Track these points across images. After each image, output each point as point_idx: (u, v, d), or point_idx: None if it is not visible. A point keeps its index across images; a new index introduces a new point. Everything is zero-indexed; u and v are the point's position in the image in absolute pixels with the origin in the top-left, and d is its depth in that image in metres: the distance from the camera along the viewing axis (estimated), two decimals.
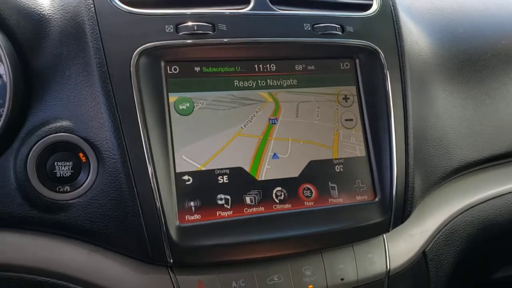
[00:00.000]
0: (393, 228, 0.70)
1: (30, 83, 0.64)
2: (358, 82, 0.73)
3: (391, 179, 0.69)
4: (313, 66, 0.71)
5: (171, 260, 0.60)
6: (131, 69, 0.60)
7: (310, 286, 0.66)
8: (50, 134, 0.60)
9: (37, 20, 0.64)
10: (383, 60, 0.72)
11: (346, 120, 0.71)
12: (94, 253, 0.62)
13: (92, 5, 0.62)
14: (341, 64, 0.73)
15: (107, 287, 0.61)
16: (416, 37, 0.84)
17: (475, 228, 0.82)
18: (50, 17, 0.65)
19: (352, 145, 0.71)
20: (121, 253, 0.62)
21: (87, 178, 0.60)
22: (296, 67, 0.70)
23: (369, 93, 0.72)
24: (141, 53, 0.61)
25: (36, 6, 0.65)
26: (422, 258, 0.76)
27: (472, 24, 0.95)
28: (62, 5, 0.65)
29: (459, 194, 0.83)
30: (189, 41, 0.64)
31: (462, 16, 0.96)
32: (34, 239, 0.61)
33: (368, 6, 0.76)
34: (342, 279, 0.68)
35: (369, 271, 0.69)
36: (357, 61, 0.73)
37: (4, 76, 0.65)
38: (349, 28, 0.72)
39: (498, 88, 0.91)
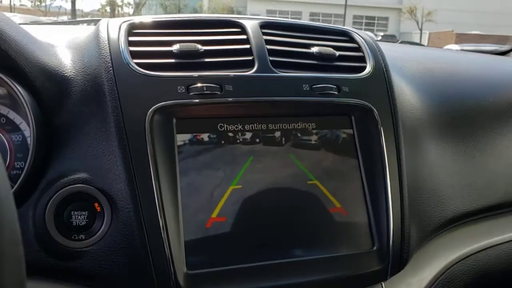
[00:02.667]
0: (391, 276, 0.73)
1: (51, 139, 0.69)
2: (354, 137, 0.78)
3: (387, 228, 0.73)
4: (313, 123, 0.76)
5: None
6: (146, 126, 0.66)
7: None
8: (69, 185, 0.65)
9: (60, 82, 0.70)
10: (377, 117, 0.77)
11: None
12: None
13: (111, 68, 0.69)
14: (339, 121, 0.78)
15: None
16: (408, 96, 0.90)
17: (471, 277, 0.85)
18: (72, 78, 0.71)
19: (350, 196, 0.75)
20: None
21: (101, 227, 0.64)
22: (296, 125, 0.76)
23: (365, 148, 0.77)
24: (155, 111, 0.67)
25: (60, 69, 0.71)
26: None
27: (461, 84, 1.02)
28: (83, 68, 0.71)
29: (454, 244, 0.87)
30: (197, 100, 0.70)
31: (451, 77, 1.03)
32: (48, 285, 0.65)
33: (362, 68, 0.83)
34: None
35: None
36: (352, 118, 0.78)
37: (26, 132, 0.71)
38: (345, 88, 0.78)
39: (487, 142, 0.97)
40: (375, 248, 0.73)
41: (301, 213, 0.72)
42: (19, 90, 0.68)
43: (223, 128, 0.71)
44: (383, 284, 0.75)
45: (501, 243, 0.90)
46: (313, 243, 0.71)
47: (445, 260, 0.83)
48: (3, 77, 0.67)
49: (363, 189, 0.76)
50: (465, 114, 0.97)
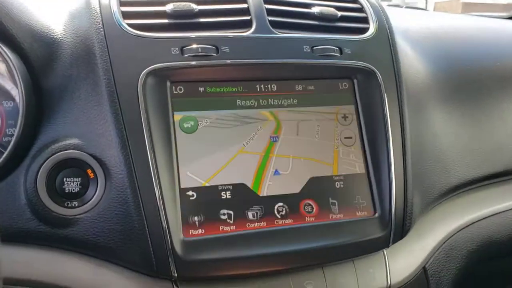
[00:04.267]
0: (393, 244, 0.71)
1: (41, 103, 0.67)
2: (356, 101, 0.75)
3: (390, 195, 0.71)
4: (312, 86, 0.74)
5: (175, 274, 0.61)
6: (139, 89, 0.63)
7: None
8: (60, 151, 0.62)
9: (49, 43, 0.67)
10: (380, 81, 0.74)
11: (345, 138, 0.74)
12: (100, 267, 0.63)
13: (102, 29, 0.66)
14: (339, 84, 0.75)
15: None
16: (412, 59, 0.87)
17: (474, 245, 0.83)
18: (62, 40, 0.68)
19: (352, 162, 0.73)
20: (126, 267, 0.64)
21: (94, 194, 0.63)
22: (296, 87, 0.73)
23: (367, 112, 0.75)
24: (148, 74, 0.64)
25: (49, 30, 0.68)
26: (423, 274, 0.77)
27: (467, 47, 0.99)
28: (73, 29, 0.68)
29: (458, 211, 0.85)
30: (193, 62, 0.67)
31: (457, 40, 0.99)
32: (42, 253, 0.63)
33: (365, 29, 0.79)
34: None
35: (370, 286, 0.70)
36: (355, 81, 0.76)
37: (16, 98, 0.68)
38: (347, 50, 0.75)
39: (494, 107, 0.94)
40: (377, 215, 0.71)
41: (301, 179, 0.70)
42: (7, 53, 0.65)
43: (219, 92, 0.69)
44: (385, 251, 0.73)
45: (506, 210, 0.88)
46: (314, 209, 0.69)
47: (448, 227, 0.82)
48: None
49: (364, 155, 0.73)
50: (471, 78, 0.94)
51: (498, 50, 1.01)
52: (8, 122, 0.68)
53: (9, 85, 0.69)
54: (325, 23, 0.77)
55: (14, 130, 0.66)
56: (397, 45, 0.80)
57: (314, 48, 0.73)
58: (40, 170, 0.62)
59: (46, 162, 0.62)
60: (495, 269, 1.03)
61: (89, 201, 0.62)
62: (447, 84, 0.91)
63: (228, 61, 0.68)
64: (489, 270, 0.99)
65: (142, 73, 0.64)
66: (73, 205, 0.62)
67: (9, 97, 0.68)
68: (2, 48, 0.65)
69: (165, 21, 0.69)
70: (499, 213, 0.87)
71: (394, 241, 0.71)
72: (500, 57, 0.99)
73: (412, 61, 0.87)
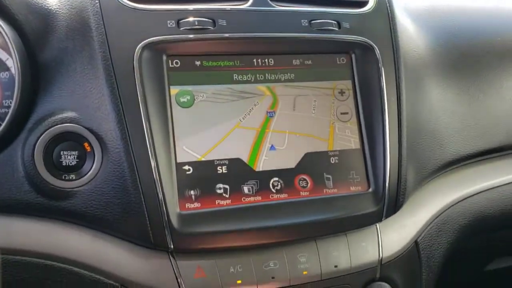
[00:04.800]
0: (386, 218, 0.72)
1: (37, 76, 0.66)
2: (353, 76, 0.75)
3: (384, 170, 0.72)
4: (310, 61, 0.73)
5: (172, 246, 0.63)
6: (134, 63, 0.63)
7: (304, 273, 0.69)
8: (57, 124, 0.63)
9: (44, 15, 0.67)
10: (378, 56, 0.74)
11: (341, 113, 0.74)
12: (98, 238, 0.65)
13: (97, 1, 0.65)
14: (337, 59, 0.75)
15: (110, 271, 0.64)
16: (411, 33, 0.86)
17: (466, 220, 0.85)
18: (57, 12, 0.67)
19: (347, 138, 0.73)
20: (123, 238, 0.65)
21: (91, 167, 0.63)
22: (293, 62, 0.73)
23: (364, 87, 0.75)
24: (144, 47, 0.64)
25: (44, 1, 0.67)
26: (414, 248, 0.78)
27: (468, 21, 0.98)
28: (68, 1, 0.67)
29: (452, 186, 0.86)
30: (190, 36, 0.66)
31: (458, 13, 0.98)
32: (40, 225, 0.64)
33: (364, 3, 0.78)
34: (335, 266, 0.70)
35: (362, 259, 0.72)
36: (352, 56, 0.75)
37: (12, 69, 0.68)
38: (345, 24, 0.74)
39: (492, 83, 0.93)
40: (370, 190, 0.72)
41: (297, 155, 0.70)
42: (1, 24, 0.64)
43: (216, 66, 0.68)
44: (377, 225, 0.75)
45: (499, 186, 0.89)
46: (308, 184, 0.70)
47: (441, 202, 0.83)
48: None
49: (360, 131, 0.74)
50: (470, 53, 0.93)
51: (501, 24, 0.99)
52: (4, 93, 0.68)
53: (4, 56, 0.68)
54: None
55: (10, 102, 0.66)
56: (396, 19, 0.79)
57: (312, 22, 0.72)
58: (37, 143, 0.62)
59: (43, 135, 0.62)
60: (485, 242, 1.05)
61: (86, 174, 0.63)
62: (446, 59, 0.90)
63: (225, 35, 0.68)
64: (479, 242, 1.01)
65: (138, 46, 0.63)
66: (70, 178, 0.63)
67: (5, 68, 0.68)
68: None
69: None
70: (492, 188, 0.88)
71: (387, 216, 0.72)
72: (502, 31, 0.98)
73: (412, 36, 0.86)
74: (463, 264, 1.02)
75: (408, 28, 0.86)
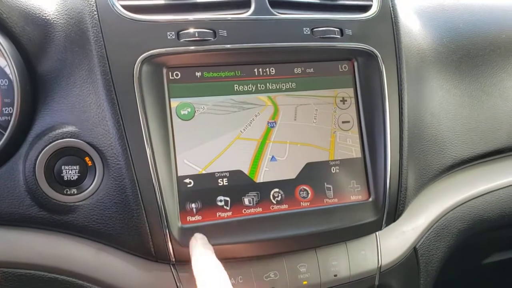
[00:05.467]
0: (385, 226, 0.73)
1: (37, 86, 0.66)
2: (355, 84, 0.74)
3: (385, 179, 0.72)
4: (312, 69, 0.73)
5: (174, 259, 0.63)
6: (134, 77, 0.62)
7: (304, 282, 0.70)
8: (58, 139, 0.62)
9: (42, 26, 0.66)
10: (381, 63, 0.73)
11: (343, 122, 0.73)
12: (101, 251, 0.65)
13: (95, 12, 0.64)
14: (339, 66, 0.74)
15: (113, 284, 0.65)
16: (415, 34, 0.85)
17: (465, 224, 0.85)
18: (55, 22, 0.66)
19: (348, 147, 0.73)
20: (126, 251, 0.66)
21: (93, 182, 0.63)
22: (295, 70, 0.72)
23: (366, 94, 0.74)
24: (143, 61, 0.63)
25: (41, 12, 0.66)
26: (413, 254, 0.79)
27: (473, 19, 0.96)
28: (66, 10, 0.66)
29: (451, 190, 0.86)
30: (190, 47, 0.65)
31: (463, 11, 0.96)
32: (43, 238, 0.65)
33: (368, 7, 0.77)
34: (335, 275, 0.71)
35: (361, 267, 0.73)
36: (355, 63, 0.74)
37: (11, 76, 0.67)
38: (348, 31, 0.73)
39: (495, 84, 0.92)
40: (371, 199, 0.72)
41: (297, 165, 0.70)
42: None
43: (217, 76, 0.68)
44: (377, 233, 0.75)
45: (499, 189, 0.89)
46: (309, 194, 0.70)
47: (440, 207, 0.83)
48: None
49: (361, 140, 0.74)
50: (474, 53, 0.92)
51: (505, 22, 0.98)
52: (4, 100, 0.67)
53: (2, 63, 0.68)
54: (326, 1, 0.75)
55: (11, 109, 0.66)
56: (400, 23, 0.77)
57: (314, 30, 0.71)
58: (39, 158, 0.62)
59: (44, 150, 0.62)
60: (482, 240, 1.06)
61: (87, 188, 0.63)
62: (449, 59, 0.89)
63: (226, 46, 0.67)
64: (476, 242, 1.02)
65: (138, 60, 0.63)
66: (72, 192, 0.63)
67: (4, 75, 0.67)
68: None
69: (161, 2, 0.67)
70: (491, 191, 0.88)
71: (387, 224, 0.73)
72: (506, 30, 0.96)
73: (415, 37, 0.84)
74: (460, 261, 1.03)
75: (412, 30, 0.85)
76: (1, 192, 0.63)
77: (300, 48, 0.70)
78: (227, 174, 0.67)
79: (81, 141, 0.63)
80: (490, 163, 0.91)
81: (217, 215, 0.66)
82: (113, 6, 0.64)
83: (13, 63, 0.64)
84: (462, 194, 0.86)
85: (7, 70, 0.68)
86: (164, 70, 0.65)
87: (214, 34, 0.66)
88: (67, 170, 0.63)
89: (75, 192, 0.63)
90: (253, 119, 0.69)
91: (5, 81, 0.68)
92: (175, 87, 0.66)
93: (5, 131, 0.64)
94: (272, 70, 0.71)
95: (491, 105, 0.91)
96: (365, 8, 0.76)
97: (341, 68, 0.74)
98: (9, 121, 0.64)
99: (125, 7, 0.65)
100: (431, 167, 0.81)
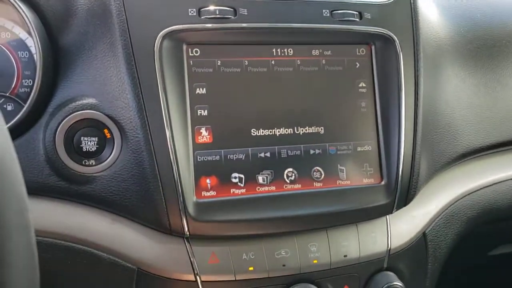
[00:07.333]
0: (396, 210, 0.74)
1: (58, 59, 0.67)
2: (372, 68, 0.74)
3: (397, 164, 0.72)
4: (329, 51, 0.73)
5: (188, 232, 0.65)
6: (155, 52, 0.63)
7: (314, 261, 0.71)
8: (78, 110, 0.64)
9: None
10: (399, 48, 0.73)
11: None
12: (117, 222, 0.67)
13: None
14: (357, 50, 0.74)
15: (127, 254, 0.66)
16: (433, 23, 0.85)
17: (475, 212, 0.86)
18: None
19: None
20: (141, 223, 0.67)
21: (111, 153, 0.64)
22: (313, 52, 0.72)
23: (383, 79, 0.74)
24: (164, 36, 0.64)
25: None
26: (422, 239, 0.80)
27: (490, 10, 0.95)
28: None
29: (462, 178, 0.86)
30: (210, 25, 0.66)
31: (480, 1, 0.96)
32: (60, 207, 0.66)
33: None
34: (345, 256, 0.72)
35: (371, 249, 0.74)
36: (372, 47, 0.74)
37: (32, 48, 0.68)
38: (367, 15, 0.73)
39: (511, 75, 0.92)
40: (383, 182, 0.73)
41: (311, 143, 0.71)
42: (22, 8, 0.64)
43: (235, 55, 0.68)
44: (388, 216, 0.76)
45: (510, 179, 0.89)
46: (322, 175, 0.71)
47: (451, 194, 0.84)
48: None
49: (376, 123, 0.74)
50: (490, 43, 0.92)
51: None
52: (24, 72, 0.68)
53: (23, 35, 0.69)
54: None
55: (30, 82, 0.67)
56: (419, 9, 0.77)
57: (334, 12, 0.71)
58: (59, 129, 0.63)
59: (65, 120, 0.63)
60: (491, 230, 1.06)
61: (105, 160, 0.64)
62: (465, 49, 0.89)
63: (245, 25, 0.67)
64: (484, 231, 1.03)
65: (159, 35, 0.63)
66: (90, 163, 0.65)
67: (24, 47, 0.69)
68: (16, 2, 0.64)
69: None
70: (502, 181, 0.89)
71: (398, 208, 0.74)
72: None
73: (433, 25, 0.84)
74: (467, 251, 1.04)
75: (430, 17, 0.85)
76: (21, 161, 0.64)
77: (319, 30, 0.71)
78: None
79: (100, 113, 0.64)
80: (502, 153, 0.91)
81: (231, 191, 0.67)
82: None
83: (37, 33, 0.65)
84: (473, 183, 0.86)
85: (29, 42, 0.69)
86: (184, 47, 0.66)
87: (235, 12, 0.67)
88: (86, 142, 0.65)
89: (93, 163, 0.65)
90: None
91: (26, 53, 0.69)
92: (194, 74, 0.66)
93: (25, 103, 0.65)
94: (290, 51, 0.71)
95: (505, 95, 0.91)
96: None
97: (359, 52, 0.74)
98: (29, 93, 0.66)
99: None
100: (444, 154, 0.82)
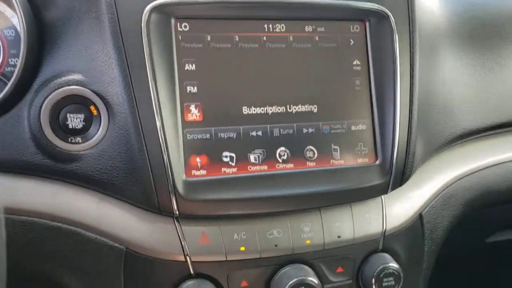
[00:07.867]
0: (391, 190, 0.72)
1: (43, 35, 0.65)
2: (366, 45, 0.73)
3: (392, 143, 0.71)
4: (323, 28, 0.71)
5: (177, 212, 0.63)
6: (142, 26, 0.61)
7: (307, 242, 0.69)
8: (63, 86, 0.62)
9: None
10: (393, 25, 0.72)
11: None
12: (104, 201, 0.65)
13: None
14: (351, 26, 0.73)
15: (115, 234, 0.65)
16: (429, 1, 0.83)
17: (472, 194, 0.84)
18: None
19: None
20: (129, 202, 0.65)
21: (98, 131, 0.63)
22: (306, 28, 0.71)
23: (377, 57, 0.73)
24: (152, 10, 0.62)
25: None
26: (418, 221, 0.79)
27: None
28: None
29: (460, 160, 0.85)
30: None
31: None
32: (46, 186, 0.65)
33: None
34: (338, 237, 0.71)
35: (365, 230, 0.72)
36: (367, 24, 0.73)
37: (18, 26, 0.66)
38: None
39: (508, 56, 0.91)
40: (378, 162, 0.71)
41: (304, 121, 0.69)
42: None
43: (226, 30, 0.66)
44: (383, 197, 0.75)
45: (508, 161, 0.88)
46: (315, 155, 0.69)
47: (448, 176, 0.82)
48: None
49: (370, 101, 0.72)
50: (488, 23, 0.90)
51: None
52: (10, 51, 0.67)
53: (9, 13, 0.67)
54: None
55: (16, 60, 0.66)
56: None
57: None
58: (44, 105, 0.62)
59: (49, 96, 0.62)
60: (488, 215, 1.05)
61: (92, 137, 0.63)
62: (462, 29, 0.87)
63: None
64: (482, 215, 1.01)
65: (146, 8, 0.62)
66: (76, 141, 0.63)
67: (11, 25, 0.67)
68: None
69: None
70: (500, 163, 0.87)
71: (393, 188, 0.72)
72: None
73: (429, 5, 0.83)
74: (465, 235, 1.02)
75: None
76: (5, 138, 0.62)
77: (311, 4, 0.69)
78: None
79: (86, 89, 0.62)
80: (500, 135, 0.90)
81: (222, 170, 0.66)
82: None
83: (22, 10, 0.63)
84: (471, 164, 0.85)
85: (14, 20, 0.67)
86: (173, 21, 0.64)
87: None
88: (72, 118, 0.63)
89: (80, 141, 0.63)
90: None
91: (12, 32, 0.67)
92: (183, 49, 0.65)
93: (9, 81, 0.64)
94: (283, 27, 0.69)
95: (503, 76, 0.90)
96: None
97: (353, 29, 0.73)
98: (14, 72, 0.64)
99: None
100: (440, 135, 0.80)
